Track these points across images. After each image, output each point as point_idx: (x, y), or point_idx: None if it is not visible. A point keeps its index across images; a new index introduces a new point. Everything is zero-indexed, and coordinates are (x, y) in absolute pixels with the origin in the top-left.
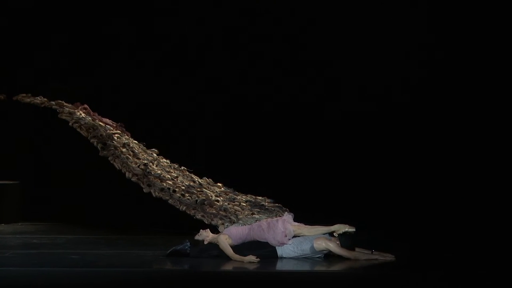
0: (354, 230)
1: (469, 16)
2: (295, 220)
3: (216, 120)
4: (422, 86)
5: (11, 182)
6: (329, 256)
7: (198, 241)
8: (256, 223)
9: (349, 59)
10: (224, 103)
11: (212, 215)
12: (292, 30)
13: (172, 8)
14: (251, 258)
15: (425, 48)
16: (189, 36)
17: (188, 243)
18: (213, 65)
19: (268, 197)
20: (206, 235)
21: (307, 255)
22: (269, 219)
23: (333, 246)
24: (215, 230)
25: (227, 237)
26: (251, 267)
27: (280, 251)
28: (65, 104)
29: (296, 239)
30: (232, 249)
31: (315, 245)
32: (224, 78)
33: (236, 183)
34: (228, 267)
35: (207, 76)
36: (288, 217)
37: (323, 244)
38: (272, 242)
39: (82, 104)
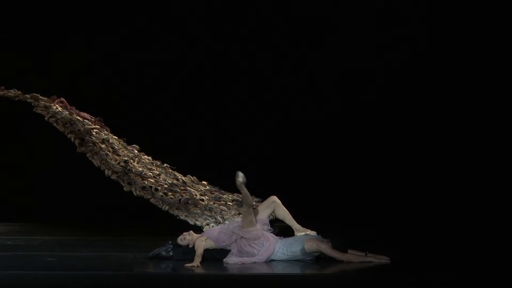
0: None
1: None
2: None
3: (202, 116)
4: (418, 84)
5: None
6: (320, 258)
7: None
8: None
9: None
10: (207, 97)
11: (196, 215)
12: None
13: None
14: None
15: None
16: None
17: (171, 245)
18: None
19: (256, 197)
20: (190, 239)
21: (297, 257)
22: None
23: (325, 248)
24: (199, 231)
25: (206, 239)
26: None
27: None
28: (40, 97)
29: (286, 241)
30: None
31: (306, 247)
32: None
33: (222, 181)
34: (214, 270)
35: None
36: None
37: (315, 245)
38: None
39: (59, 97)
